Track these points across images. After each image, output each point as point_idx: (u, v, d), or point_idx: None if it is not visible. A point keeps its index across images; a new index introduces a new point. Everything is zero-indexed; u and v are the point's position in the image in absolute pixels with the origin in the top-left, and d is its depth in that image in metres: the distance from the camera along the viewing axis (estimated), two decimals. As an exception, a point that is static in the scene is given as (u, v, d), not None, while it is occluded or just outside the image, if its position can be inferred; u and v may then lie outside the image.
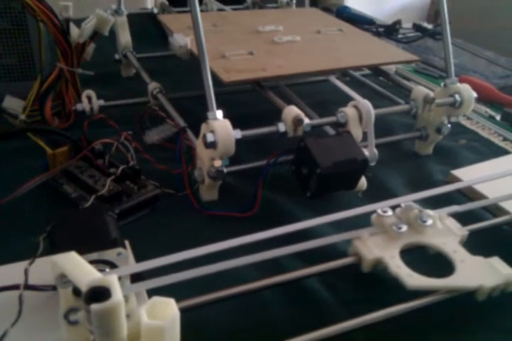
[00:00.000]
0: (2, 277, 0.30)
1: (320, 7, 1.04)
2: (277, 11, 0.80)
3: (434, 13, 1.87)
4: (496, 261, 0.35)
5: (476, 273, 0.34)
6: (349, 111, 0.46)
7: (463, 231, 0.37)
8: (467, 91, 0.51)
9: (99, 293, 0.23)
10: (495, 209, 0.46)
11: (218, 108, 0.42)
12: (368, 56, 0.57)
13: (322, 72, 0.53)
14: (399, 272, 0.33)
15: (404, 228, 0.35)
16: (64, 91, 0.55)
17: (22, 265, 0.30)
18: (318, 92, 0.66)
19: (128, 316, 0.25)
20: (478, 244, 0.42)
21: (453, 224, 0.38)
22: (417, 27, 0.92)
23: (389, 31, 0.91)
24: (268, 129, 0.44)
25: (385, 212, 0.36)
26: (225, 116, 0.42)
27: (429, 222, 0.36)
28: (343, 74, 0.70)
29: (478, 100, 0.63)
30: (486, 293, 0.33)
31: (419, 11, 1.93)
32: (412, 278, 0.32)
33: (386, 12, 1.79)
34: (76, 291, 0.27)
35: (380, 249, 0.34)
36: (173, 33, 0.55)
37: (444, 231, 0.36)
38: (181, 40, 0.53)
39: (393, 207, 0.37)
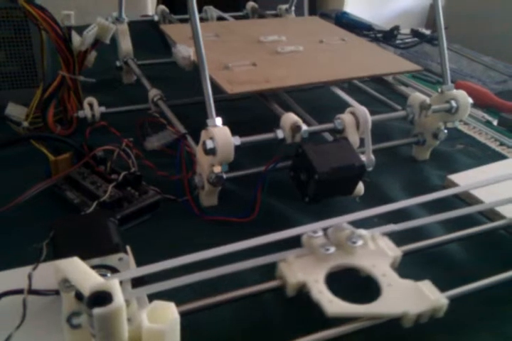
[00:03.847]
0: (6, 282, 0.31)
1: (319, 13, 1.05)
2: (279, 20, 0.80)
3: (433, 19, 1.88)
4: (426, 285, 0.33)
5: (403, 298, 0.32)
6: (346, 117, 0.47)
7: (396, 252, 0.35)
8: (463, 98, 0.52)
9: (101, 298, 0.24)
10: (491, 214, 0.46)
11: (218, 115, 0.43)
12: (372, 66, 0.56)
13: (325, 83, 0.53)
14: (320, 298, 0.31)
15: (332, 249, 0.34)
16: (66, 99, 0.56)
17: (26, 270, 0.30)
18: (316, 99, 0.67)
19: (129, 320, 0.26)
20: (475, 249, 0.43)
21: (387, 244, 0.36)
22: (414, 33, 0.93)
23: (387, 37, 0.92)
24: (266, 136, 0.45)
25: (314, 232, 0.35)
26: (224, 123, 0.43)
27: (360, 242, 0.35)
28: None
29: (475, 105, 0.64)
30: (411, 320, 0.31)
31: (419, 16, 1.93)
32: (332, 305, 0.31)
33: (385, 17, 1.80)
34: (78, 296, 0.27)
35: (304, 272, 0.33)
36: (176, 44, 0.55)
37: (375, 253, 0.35)
38: (185, 51, 0.53)
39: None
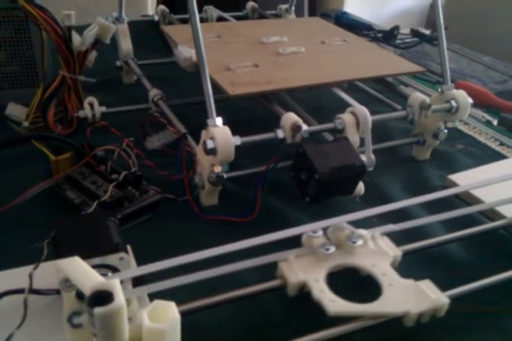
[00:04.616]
0: (7, 281, 0.31)
1: (319, 13, 1.05)
2: (281, 21, 0.80)
3: (433, 19, 1.88)
4: (427, 285, 0.33)
5: (404, 297, 0.32)
6: (346, 117, 0.47)
7: (396, 251, 0.36)
8: (463, 97, 0.52)
9: (102, 297, 0.24)
10: (491, 214, 0.46)
11: (218, 114, 0.43)
12: (374, 67, 0.56)
13: (327, 84, 0.53)
14: (321, 297, 0.31)
15: (332, 249, 0.34)
16: (66, 98, 0.56)
17: (27, 269, 0.30)
18: (316, 98, 0.67)
19: (130, 319, 0.26)
20: (475, 248, 0.43)
21: (387, 244, 0.36)
22: (414, 32, 0.93)
23: (387, 37, 0.92)
24: (267, 136, 0.45)
25: (314, 232, 0.35)
26: (224, 123, 0.43)
27: (359, 242, 0.35)
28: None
29: (475, 105, 0.64)
30: (413, 319, 0.31)
31: (419, 16, 1.93)
32: (334, 304, 0.31)
33: (385, 17, 1.80)
34: (79, 295, 0.27)
35: (305, 271, 0.33)
36: (178, 45, 0.54)
37: (375, 252, 0.35)
38: (186, 52, 0.52)
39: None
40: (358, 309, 0.31)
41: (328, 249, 0.34)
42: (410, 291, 0.32)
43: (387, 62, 0.58)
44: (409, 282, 0.33)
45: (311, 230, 0.35)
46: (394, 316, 0.31)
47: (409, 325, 0.32)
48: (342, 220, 0.36)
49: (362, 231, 0.35)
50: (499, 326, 0.36)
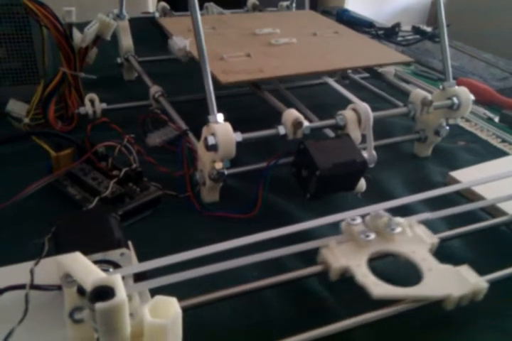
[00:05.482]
0: (9, 277, 0.31)
1: (320, 10, 1.04)
2: (275, 13, 0.81)
3: (434, 16, 1.87)
4: (465, 270, 0.34)
5: (444, 282, 0.33)
6: (348, 113, 0.47)
7: (433, 238, 0.36)
8: (465, 94, 0.52)
9: (104, 292, 0.24)
10: (493, 210, 0.46)
11: (219, 111, 0.43)
12: (362, 57, 0.58)
13: (317, 73, 0.54)
14: (365, 281, 0.32)
15: (372, 236, 0.35)
16: (67, 95, 0.56)
17: (28, 265, 0.30)
18: (317, 95, 0.67)
19: (131, 314, 0.26)
20: (476, 245, 0.43)
21: (423, 231, 0.37)
22: (416, 30, 0.93)
23: (388, 34, 0.92)
24: (268, 132, 0.45)
25: (353, 219, 0.36)
26: (225, 119, 0.43)
27: (398, 229, 0.35)
28: (343, 77, 0.71)
29: (477, 102, 0.64)
30: (454, 302, 0.32)
31: (420, 13, 1.93)
32: (378, 287, 0.32)
33: (387, 14, 1.79)
34: (81, 290, 0.27)
35: (347, 257, 0.34)
36: (172, 36, 0.56)
37: (413, 239, 0.36)
38: (180, 42, 0.54)
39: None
40: (401, 292, 0.32)
41: (368, 236, 0.35)
42: (450, 276, 0.33)
43: (377, 53, 0.60)
44: (449, 267, 0.34)
45: (350, 217, 0.36)
46: (436, 299, 0.32)
47: (450, 309, 0.32)
48: (380, 208, 0.36)
49: (399, 219, 0.36)
50: (499, 324, 0.36)
